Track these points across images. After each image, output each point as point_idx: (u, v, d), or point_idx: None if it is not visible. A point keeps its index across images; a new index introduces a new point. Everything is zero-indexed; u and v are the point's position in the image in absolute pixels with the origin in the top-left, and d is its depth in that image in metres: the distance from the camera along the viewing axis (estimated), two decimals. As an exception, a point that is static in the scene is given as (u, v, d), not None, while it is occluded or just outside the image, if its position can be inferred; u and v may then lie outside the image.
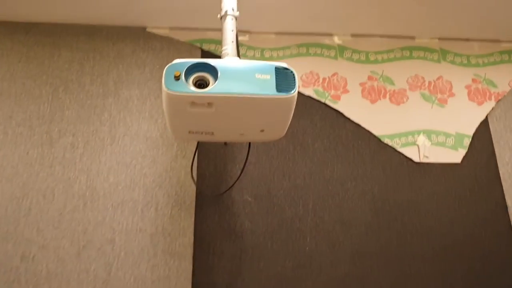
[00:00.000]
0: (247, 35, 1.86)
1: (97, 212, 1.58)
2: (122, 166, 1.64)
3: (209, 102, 1.05)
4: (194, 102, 1.05)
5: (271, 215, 1.62)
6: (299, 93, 1.76)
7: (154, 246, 1.55)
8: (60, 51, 1.79)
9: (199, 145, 1.67)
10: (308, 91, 1.79)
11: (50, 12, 1.78)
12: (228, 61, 1.10)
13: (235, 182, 1.56)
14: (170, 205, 1.61)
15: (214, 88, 1.03)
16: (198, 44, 1.82)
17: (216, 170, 1.66)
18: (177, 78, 1.02)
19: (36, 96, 1.71)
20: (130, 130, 1.69)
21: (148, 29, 1.85)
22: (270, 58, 1.82)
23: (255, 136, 1.21)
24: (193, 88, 1.03)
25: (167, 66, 1.05)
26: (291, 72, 1.09)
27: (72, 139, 1.66)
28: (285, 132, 1.24)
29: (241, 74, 1.06)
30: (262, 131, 1.19)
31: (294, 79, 1.08)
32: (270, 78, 1.06)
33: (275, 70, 1.07)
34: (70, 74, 1.76)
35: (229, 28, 1.23)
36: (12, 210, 1.56)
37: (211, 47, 1.82)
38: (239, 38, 1.81)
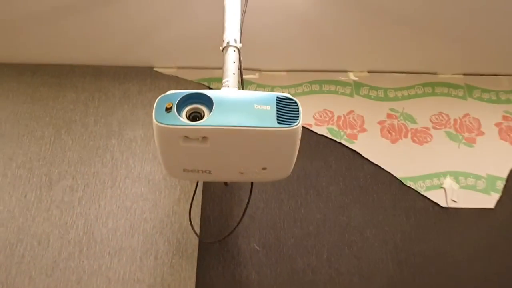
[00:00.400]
0: (257, 73, 1.82)
1: (93, 260, 1.50)
2: (122, 210, 1.57)
3: (204, 136, 0.98)
4: (187, 136, 0.98)
5: (280, 265, 1.50)
6: (312, 132, 1.70)
7: (151, 298, 1.45)
8: (65, 92, 1.78)
9: (204, 187, 1.60)
10: (322, 130, 1.71)
11: (58, 54, 1.79)
12: (225, 92, 1.04)
13: (235, 228, 1.47)
14: (171, 254, 1.51)
15: (207, 120, 0.95)
16: (206, 83, 1.79)
17: (221, 215, 1.57)
18: (168, 110, 0.96)
19: (38, 137, 1.69)
20: (132, 172, 1.64)
21: (155, 69, 1.83)
22: (282, 96, 1.76)
23: (257, 175, 1.12)
24: (185, 121, 0.96)
25: (159, 97, 0.99)
26: (295, 102, 1.00)
27: (71, 182, 1.61)
28: (290, 171, 1.14)
29: (238, 105, 0.98)
30: (264, 169, 1.09)
31: (298, 110, 0.99)
32: (271, 109, 0.98)
33: (277, 101, 0.99)
34: (74, 115, 1.74)
35: (231, 59, 1.18)
36: (5, 256, 1.50)
37: (219, 86, 1.77)
38: (249, 76, 1.78)
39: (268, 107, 0.97)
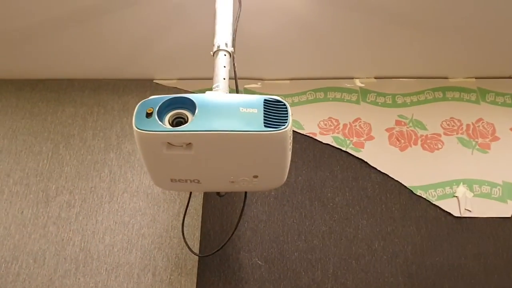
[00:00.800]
0: (260, 82, 1.81)
1: (89, 277, 1.48)
2: (119, 225, 1.56)
3: (187, 143, 0.96)
4: (169, 143, 0.97)
5: (284, 281, 1.46)
6: (316, 141, 1.67)
7: (149, 317, 1.42)
8: (64, 106, 1.79)
9: (204, 200, 1.58)
10: (327, 139, 1.68)
11: (56, 68, 1.81)
12: (210, 95, 1.02)
13: (227, 241, 1.43)
14: (169, 270, 1.49)
15: (190, 125, 0.93)
16: (206, 93, 1.78)
17: (222, 229, 1.54)
18: (149, 115, 0.95)
19: (36, 153, 1.70)
20: (131, 186, 1.63)
21: (155, 81, 1.84)
22: (284, 105, 1.74)
23: (249, 184, 1.09)
24: (166, 126, 0.94)
25: (140, 102, 0.98)
26: (284, 105, 0.98)
27: (68, 197, 1.61)
28: (284, 179, 1.12)
29: (223, 108, 0.96)
30: (255, 177, 1.07)
31: (287, 113, 0.97)
32: (258, 112, 0.95)
33: (264, 103, 0.97)
34: (73, 129, 1.75)
35: (221, 64, 1.16)
36: (0, 275, 1.49)
37: (219, 96, 1.76)
38: (251, 86, 1.77)
39: (255, 110, 0.95)
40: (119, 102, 1.80)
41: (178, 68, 1.80)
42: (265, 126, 0.94)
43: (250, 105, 0.96)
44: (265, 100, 0.97)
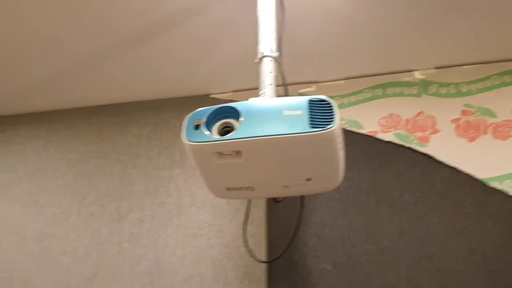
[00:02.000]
0: (314, 86, 1.82)
1: (164, 290, 1.57)
2: (188, 238, 1.64)
3: (236, 151, 1.00)
4: (220, 152, 1.01)
5: (355, 285, 1.46)
6: (377, 140, 1.66)
7: (222, 326, 1.48)
8: (130, 128, 1.92)
9: (268, 208, 1.62)
10: (388, 137, 1.65)
11: (121, 93, 1.95)
12: (255, 101, 1.05)
13: (288, 247, 1.45)
14: (239, 279, 1.54)
15: (235, 133, 0.97)
16: (262, 102, 1.83)
17: (287, 236, 1.56)
18: (197, 127, 1.01)
19: (107, 174, 1.83)
20: (196, 199, 1.70)
21: (211, 95, 1.92)
22: (341, 106, 1.74)
23: (303, 187, 1.11)
24: (213, 136, 0.99)
25: (188, 115, 1.05)
26: (329, 103, 0.99)
27: (139, 214, 1.72)
28: (339, 179, 1.12)
29: (267, 113, 0.99)
30: (309, 180, 1.09)
31: (332, 112, 0.98)
32: (302, 113, 0.97)
33: (308, 104, 0.98)
34: (139, 149, 1.86)
35: (267, 70, 1.19)
36: (83, 292, 1.62)
37: (275, 103, 1.80)
38: (305, 90, 1.79)
39: (299, 112, 0.97)
40: (179, 119, 1.85)
41: (232, 80, 1.86)
42: (311, 127, 0.95)
43: (294, 107, 0.98)
44: (309, 100, 0.99)
